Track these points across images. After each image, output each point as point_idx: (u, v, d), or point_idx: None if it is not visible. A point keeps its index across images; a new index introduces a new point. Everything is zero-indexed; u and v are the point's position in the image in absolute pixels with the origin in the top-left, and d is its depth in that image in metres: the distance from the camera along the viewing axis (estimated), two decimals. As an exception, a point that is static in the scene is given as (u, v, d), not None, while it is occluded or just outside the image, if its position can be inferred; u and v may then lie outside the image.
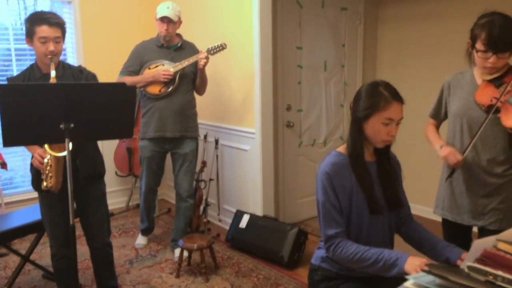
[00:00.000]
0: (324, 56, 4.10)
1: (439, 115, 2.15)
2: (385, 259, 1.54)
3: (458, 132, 2.00)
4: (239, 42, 3.66)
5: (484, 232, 1.99)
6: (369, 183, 1.69)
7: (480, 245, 0.94)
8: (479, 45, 1.82)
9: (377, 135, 1.65)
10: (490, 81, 1.87)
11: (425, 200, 2.26)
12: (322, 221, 1.69)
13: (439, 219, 2.20)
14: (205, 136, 4.05)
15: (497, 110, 1.80)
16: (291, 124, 3.97)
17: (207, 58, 3.26)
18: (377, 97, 1.63)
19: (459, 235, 2.04)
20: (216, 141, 3.93)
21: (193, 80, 3.41)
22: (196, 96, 3.54)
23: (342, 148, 1.75)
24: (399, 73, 4.24)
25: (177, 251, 3.36)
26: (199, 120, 3.85)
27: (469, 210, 2.00)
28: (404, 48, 4.21)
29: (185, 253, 3.25)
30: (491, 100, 1.81)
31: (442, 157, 1.96)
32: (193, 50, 3.41)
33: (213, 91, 3.97)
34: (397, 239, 1.85)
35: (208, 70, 3.51)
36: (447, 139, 2.09)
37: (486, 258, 0.86)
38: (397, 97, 1.64)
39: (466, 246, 1.98)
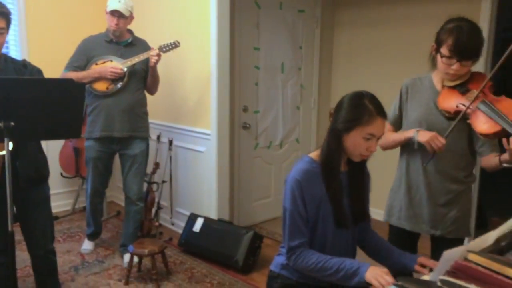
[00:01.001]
0: (281, 58, 4.07)
1: (398, 122, 2.07)
2: (346, 268, 1.51)
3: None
4: (195, 41, 3.55)
5: (440, 241, 1.99)
6: (339, 196, 1.63)
7: (449, 256, 0.92)
8: (444, 50, 1.78)
9: (356, 149, 1.58)
10: (453, 87, 1.85)
11: (376, 203, 2.31)
12: (287, 230, 1.62)
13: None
14: (158, 137, 3.91)
15: (466, 117, 1.79)
16: (248, 125, 3.91)
17: (158, 55, 3.13)
18: (361, 110, 1.54)
19: (406, 242, 2.02)
20: (170, 142, 3.81)
21: (144, 78, 3.27)
22: (149, 95, 3.40)
23: (315, 155, 1.67)
24: (354, 77, 4.30)
25: (127, 257, 3.21)
26: (152, 120, 3.70)
27: (428, 219, 1.97)
28: (359, 53, 4.27)
29: (135, 259, 3.10)
30: (457, 106, 1.79)
31: (423, 142, 1.83)
32: (145, 47, 3.27)
33: (168, 90, 3.84)
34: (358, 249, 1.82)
35: (162, 69, 3.39)
36: (403, 146, 2.03)
37: (458, 270, 0.84)
38: (381, 113, 1.56)
39: (413, 252, 1.98)
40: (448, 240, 1.96)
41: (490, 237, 1.02)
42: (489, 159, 1.82)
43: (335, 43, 4.48)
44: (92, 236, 3.53)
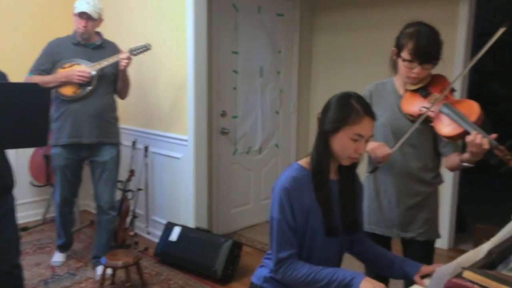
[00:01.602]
0: (260, 62, 4.00)
1: None
2: (339, 279, 1.44)
3: (385, 143, 1.93)
4: (171, 44, 3.45)
5: (410, 243, 2.00)
6: (329, 204, 1.56)
7: (442, 272, 0.85)
8: (405, 55, 1.80)
9: (344, 151, 1.51)
10: (415, 91, 1.88)
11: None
12: (275, 241, 1.54)
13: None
14: (134, 143, 3.78)
15: (429, 120, 1.82)
16: (226, 131, 3.82)
17: (128, 58, 3.02)
18: (348, 110, 1.49)
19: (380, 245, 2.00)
20: (146, 148, 3.68)
21: (113, 82, 3.15)
22: (122, 100, 3.28)
23: (304, 162, 1.60)
24: (334, 81, 4.26)
25: (99, 269, 3.06)
26: (127, 126, 3.58)
27: (398, 222, 1.99)
28: (339, 57, 4.24)
29: (109, 271, 2.97)
30: (420, 110, 1.82)
31: (369, 150, 1.87)
32: (114, 50, 3.15)
33: (143, 95, 3.72)
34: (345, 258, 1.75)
35: (136, 73, 3.28)
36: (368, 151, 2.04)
37: (453, 290, 0.77)
38: (369, 112, 1.51)
39: None
40: (418, 242, 1.98)
41: (482, 250, 0.96)
42: (451, 159, 1.86)
43: (314, 47, 4.44)
44: (63, 248, 3.37)
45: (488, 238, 1.74)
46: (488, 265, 0.98)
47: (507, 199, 5.20)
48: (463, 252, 1.96)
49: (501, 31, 1.67)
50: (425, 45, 1.75)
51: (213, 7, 3.56)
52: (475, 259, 0.93)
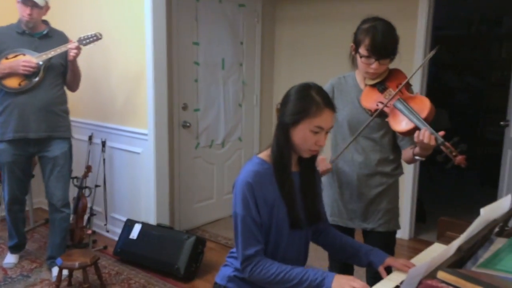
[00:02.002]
0: (222, 54, 3.91)
1: None
2: (310, 279, 1.40)
3: (347, 136, 1.98)
4: (127, 34, 3.31)
5: (371, 234, 2.03)
6: (292, 197, 1.53)
7: (415, 272, 0.81)
8: (362, 50, 1.82)
9: (304, 143, 1.49)
10: (373, 85, 1.90)
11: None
12: (241, 238, 1.48)
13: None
14: (90, 137, 3.62)
15: (385, 115, 1.84)
16: (188, 124, 3.72)
17: (78, 48, 2.86)
18: (308, 101, 1.46)
19: None
20: (103, 143, 3.53)
21: (62, 73, 2.98)
22: (82, 92, 3.12)
23: (265, 155, 1.56)
24: (297, 73, 4.23)
25: (55, 270, 2.92)
26: (82, 119, 3.42)
27: (360, 213, 2.02)
28: (302, 48, 4.20)
29: (65, 272, 2.83)
30: (377, 105, 1.84)
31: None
32: (62, 39, 2.98)
33: (99, 87, 3.56)
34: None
35: (91, 64, 3.12)
36: (332, 144, 2.07)
37: (427, 292, 0.74)
38: (329, 104, 1.48)
39: None
40: (379, 233, 2.01)
41: (453, 246, 0.94)
42: (407, 152, 1.90)
43: (277, 39, 4.39)
44: (15, 249, 3.19)
45: (451, 230, 1.76)
46: (457, 262, 0.96)
47: (464, 189, 5.39)
48: (423, 242, 1.99)
49: (433, 52, 1.78)
50: (381, 41, 1.76)
51: (172, -4, 3.44)
52: (446, 257, 0.90)
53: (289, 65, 4.33)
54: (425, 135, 1.61)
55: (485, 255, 1.04)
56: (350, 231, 2.09)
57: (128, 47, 3.34)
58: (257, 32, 4.19)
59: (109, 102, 3.56)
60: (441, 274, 0.76)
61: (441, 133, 1.64)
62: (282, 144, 1.51)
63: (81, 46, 2.89)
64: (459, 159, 1.58)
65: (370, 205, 2.00)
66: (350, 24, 2.09)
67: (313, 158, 1.60)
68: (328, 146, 2.14)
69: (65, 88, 3.06)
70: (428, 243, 1.81)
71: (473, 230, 1.02)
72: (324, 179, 2.10)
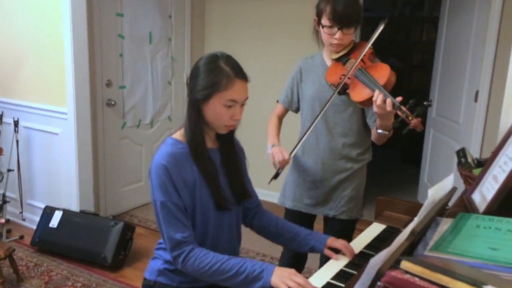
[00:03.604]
0: (149, 27, 3.66)
1: (291, 104, 2.02)
2: (248, 271, 1.30)
3: (313, 116, 1.89)
4: (41, 4, 2.97)
5: (332, 221, 1.97)
6: (214, 175, 1.43)
7: (374, 261, 0.76)
8: (324, 21, 1.75)
9: (219, 119, 1.38)
10: (338, 60, 1.83)
11: (270, 186, 2.19)
12: (165, 226, 1.36)
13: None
14: (0, 117, 3.24)
15: (346, 88, 1.77)
16: (113, 102, 3.45)
17: None
18: (217, 74, 1.35)
19: (302, 224, 1.94)
20: (16, 123, 3.18)
21: None
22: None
23: (178, 135, 1.44)
24: (229, 48, 3.97)
25: (-38, 267, 2.60)
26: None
27: (322, 200, 1.95)
28: (234, 23, 4.06)
29: (-26, 268, 2.53)
30: (340, 78, 1.77)
31: (269, 154, 1.84)
32: None
33: (9, 61, 3.20)
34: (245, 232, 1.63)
35: (2, 36, 2.76)
36: (301, 125, 1.99)
37: (392, 285, 0.68)
38: (240, 74, 1.37)
39: None
40: (340, 221, 1.95)
41: (406, 231, 0.90)
42: (374, 131, 1.81)
43: (207, 13, 4.20)
44: None
45: (388, 209, 1.76)
46: (408, 247, 0.92)
47: (388, 166, 5.63)
48: (360, 221, 1.99)
49: (382, 26, 1.69)
50: (343, 8, 1.70)
51: (92, -39, 3.13)
52: (401, 243, 0.86)
53: (221, 40, 4.17)
54: (379, 97, 1.54)
55: (434, 237, 1.01)
56: (310, 218, 2.03)
57: (41, 17, 3.01)
58: (186, 5, 3.97)
59: (23, 77, 3.20)
60: (404, 264, 0.70)
61: (399, 98, 1.59)
62: (194, 121, 1.40)
63: None
64: (415, 122, 1.52)
65: (333, 192, 1.93)
66: (287, 3, 2.00)
67: (230, 134, 1.50)
68: (292, 134, 2.05)
69: None
70: (365, 222, 1.80)
71: (423, 212, 0.99)
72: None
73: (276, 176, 1.84)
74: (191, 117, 1.40)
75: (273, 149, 1.83)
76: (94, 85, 3.27)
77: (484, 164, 1.38)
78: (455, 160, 1.68)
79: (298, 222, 1.71)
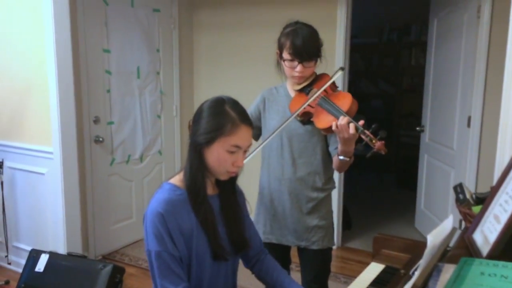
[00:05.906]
0: (136, 62, 3.63)
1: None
2: None
3: (278, 147, 1.91)
4: (25, 41, 2.94)
5: (306, 252, 1.96)
6: (213, 225, 1.35)
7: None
8: (285, 54, 1.80)
9: (221, 165, 1.32)
10: (301, 90, 1.88)
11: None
12: (159, 278, 1.28)
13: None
14: (-16, 158, 3.16)
15: (310, 116, 1.82)
16: (101, 139, 3.39)
17: None
18: (222, 118, 1.30)
19: (277, 255, 1.88)
20: (1, 164, 3.10)
21: None
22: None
23: (177, 180, 1.37)
24: (218, 81, 4.06)
25: None
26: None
27: (293, 230, 1.94)
28: (221, 55, 4.05)
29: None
30: (304, 108, 1.81)
31: None
32: None
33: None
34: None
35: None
36: (263, 156, 1.99)
37: None
38: (246, 120, 1.33)
39: (286, 267, 2.03)
40: (313, 251, 1.94)
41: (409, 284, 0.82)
42: (335, 158, 1.83)
43: (195, 46, 4.20)
44: None
45: (386, 247, 1.68)
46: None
47: (383, 191, 5.57)
48: (351, 250, 1.95)
49: (339, 72, 1.82)
50: (302, 43, 1.75)
51: (77, 0, 3.12)
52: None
53: (209, 73, 4.15)
54: (344, 119, 1.59)
55: (437, 287, 0.94)
56: (285, 248, 2.01)
57: (25, 55, 2.97)
58: (174, 39, 3.97)
59: (7, 117, 3.14)
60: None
61: (361, 122, 1.62)
62: (196, 167, 1.34)
63: None
64: (379, 144, 1.56)
65: (302, 222, 1.92)
66: (271, 31, 2.02)
67: (232, 180, 1.44)
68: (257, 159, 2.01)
69: None
70: (356, 251, 1.75)
71: (424, 261, 0.92)
72: (257, 195, 2.01)
73: None
74: (192, 162, 1.34)
75: None
76: (81, 122, 3.21)
77: (483, 201, 1.32)
78: (451, 187, 1.64)
79: (273, 254, 1.67)
